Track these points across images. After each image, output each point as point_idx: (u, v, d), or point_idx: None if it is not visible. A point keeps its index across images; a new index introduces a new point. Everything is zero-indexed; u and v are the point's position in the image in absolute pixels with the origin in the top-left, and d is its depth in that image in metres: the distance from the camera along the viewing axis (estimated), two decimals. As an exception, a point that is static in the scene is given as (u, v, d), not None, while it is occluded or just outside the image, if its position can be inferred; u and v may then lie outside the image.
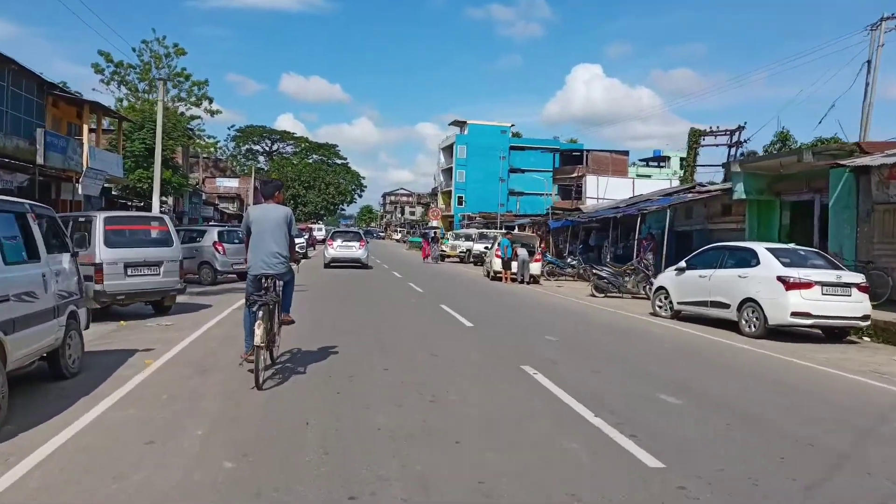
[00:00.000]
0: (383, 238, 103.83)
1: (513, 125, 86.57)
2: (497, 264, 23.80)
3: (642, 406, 6.52)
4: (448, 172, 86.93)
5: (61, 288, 7.00)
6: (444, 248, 42.17)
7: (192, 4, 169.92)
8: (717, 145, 37.96)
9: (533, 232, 40.40)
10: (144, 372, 7.46)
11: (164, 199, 37.65)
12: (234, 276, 20.91)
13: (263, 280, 7.29)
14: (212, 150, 75.03)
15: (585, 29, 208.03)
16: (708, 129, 37.88)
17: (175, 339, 9.74)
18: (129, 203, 34.81)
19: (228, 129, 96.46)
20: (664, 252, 23.09)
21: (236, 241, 20.45)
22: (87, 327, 7.92)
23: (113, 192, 32.51)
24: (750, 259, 12.34)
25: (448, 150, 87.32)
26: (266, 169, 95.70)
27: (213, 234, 20.12)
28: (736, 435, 5.69)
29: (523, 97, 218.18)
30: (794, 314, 11.33)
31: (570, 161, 63.28)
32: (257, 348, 6.70)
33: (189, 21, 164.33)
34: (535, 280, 23.87)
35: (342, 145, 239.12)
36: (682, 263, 14.06)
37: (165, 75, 68.24)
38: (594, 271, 19.69)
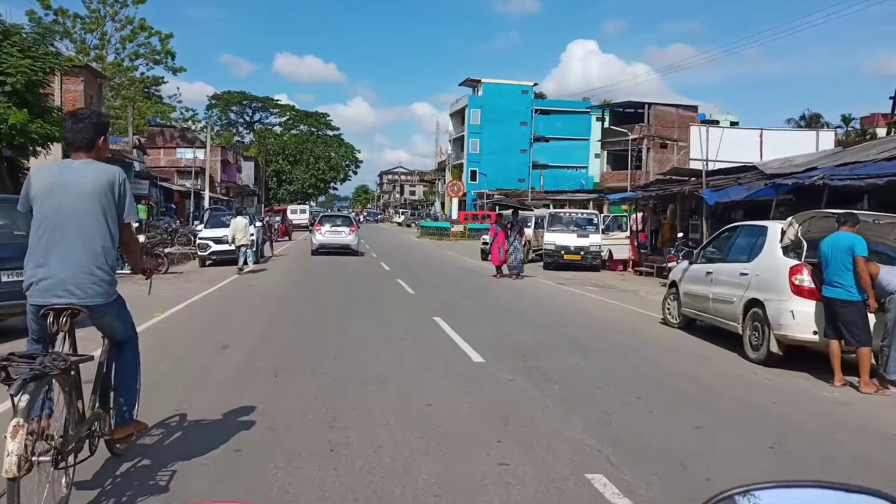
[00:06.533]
0: (380, 221, 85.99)
1: (535, 84, 69.35)
2: None
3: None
4: (459, 142, 69.72)
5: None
6: (487, 240, 25.09)
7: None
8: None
9: (645, 211, 23.42)
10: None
11: (20, 160, 20.61)
12: None
13: (51, 318, 3.41)
14: (169, 116, 57.70)
15: (582, 4, 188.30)
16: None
17: None
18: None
19: (208, 97, 78.49)
20: None
21: None
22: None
23: None
24: None
25: (458, 115, 69.97)
26: (245, 142, 78.09)
27: None
28: None
29: (521, 75, 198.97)
30: None
31: (624, 121, 46.33)
32: (10, 483, 2.83)
33: (180, 1, 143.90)
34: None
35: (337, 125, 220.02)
36: None
37: (119, 26, 51.39)
38: None
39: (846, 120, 67.23)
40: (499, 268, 16.65)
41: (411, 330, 9.14)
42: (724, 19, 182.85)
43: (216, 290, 13.63)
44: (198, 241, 19.88)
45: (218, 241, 19.17)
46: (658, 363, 7.54)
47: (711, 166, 28.61)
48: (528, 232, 22.35)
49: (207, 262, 19.43)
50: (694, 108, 47.46)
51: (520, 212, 16.89)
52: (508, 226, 16.42)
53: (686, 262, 9.94)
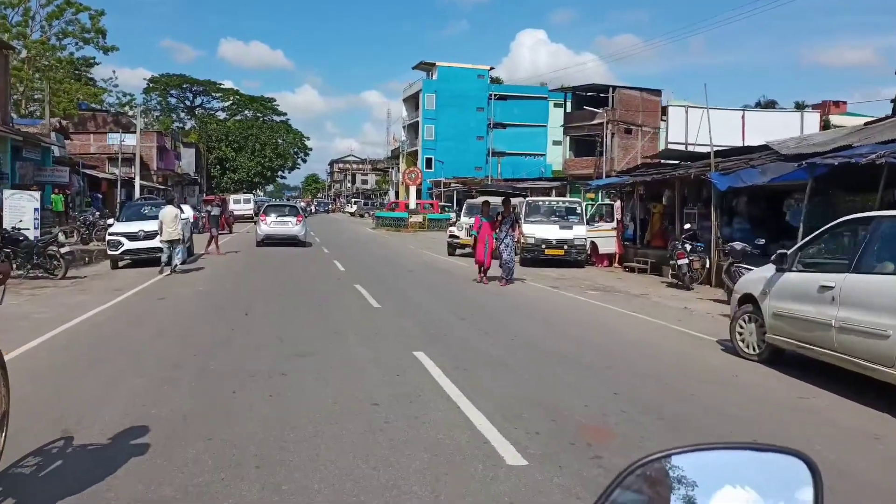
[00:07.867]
0: (331, 211, 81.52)
1: (492, 68, 66.31)
2: None
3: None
4: (413, 129, 66.14)
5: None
6: (455, 232, 21.94)
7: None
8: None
9: (628, 201, 20.49)
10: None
11: None
12: None
13: None
14: (102, 100, 52.27)
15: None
16: None
17: None
18: None
19: (145, 80, 72.37)
20: None
21: None
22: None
23: None
24: None
25: (412, 100, 66.35)
26: (186, 128, 72.58)
27: None
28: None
29: (472, 63, 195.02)
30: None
31: (587, 106, 43.61)
32: None
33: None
34: None
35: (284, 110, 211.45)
36: None
37: (45, 1, 45.94)
38: None
39: (799, 107, 66.82)
40: (481, 268, 13.21)
41: (387, 383, 5.84)
42: (671, 8, 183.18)
43: (112, 306, 10.07)
44: (107, 238, 16.16)
45: (133, 237, 15.69)
46: (823, 457, 4.50)
47: (692, 150, 26.02)
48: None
49: (121, 263, 15.81)
50: (657, 93, 44.98)
51: (512, 200, 13.25)
52: (498, 218, 12.87)
53: (771, 269, 6.95)
